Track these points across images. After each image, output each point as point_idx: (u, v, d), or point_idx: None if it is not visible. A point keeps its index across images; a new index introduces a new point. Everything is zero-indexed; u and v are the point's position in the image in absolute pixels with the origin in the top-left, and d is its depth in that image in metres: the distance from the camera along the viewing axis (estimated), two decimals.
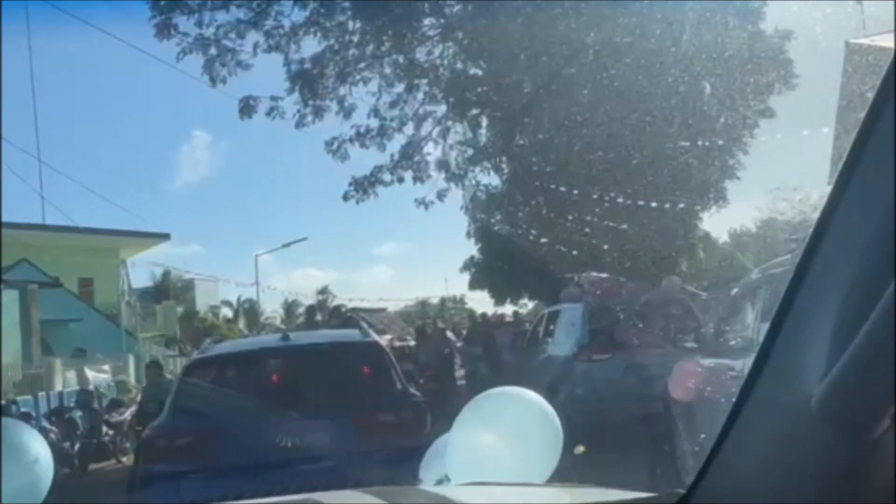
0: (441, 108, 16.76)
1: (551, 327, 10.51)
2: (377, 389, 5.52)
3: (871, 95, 0.93)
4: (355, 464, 4.56)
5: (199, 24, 14.76)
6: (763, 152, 16.87)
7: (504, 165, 17.84)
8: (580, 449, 4.62)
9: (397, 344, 16.15)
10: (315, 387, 5.50)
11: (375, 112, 16.35)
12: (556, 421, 2.23)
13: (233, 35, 15.01)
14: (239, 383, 5.55)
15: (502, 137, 16.86)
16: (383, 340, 14.15)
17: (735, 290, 5.67)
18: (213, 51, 14.88)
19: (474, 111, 16.83)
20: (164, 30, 14.51)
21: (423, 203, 17.21)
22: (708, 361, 5.57)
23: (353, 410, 5.17)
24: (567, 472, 2.37)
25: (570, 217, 14.09)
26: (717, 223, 26.33)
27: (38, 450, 2.10)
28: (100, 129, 48.53)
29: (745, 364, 4.63)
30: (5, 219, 21.93)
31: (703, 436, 5.00)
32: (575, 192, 13.97)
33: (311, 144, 16.72)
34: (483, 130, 17.29)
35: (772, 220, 28.17)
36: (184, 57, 14.84)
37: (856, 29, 12.83)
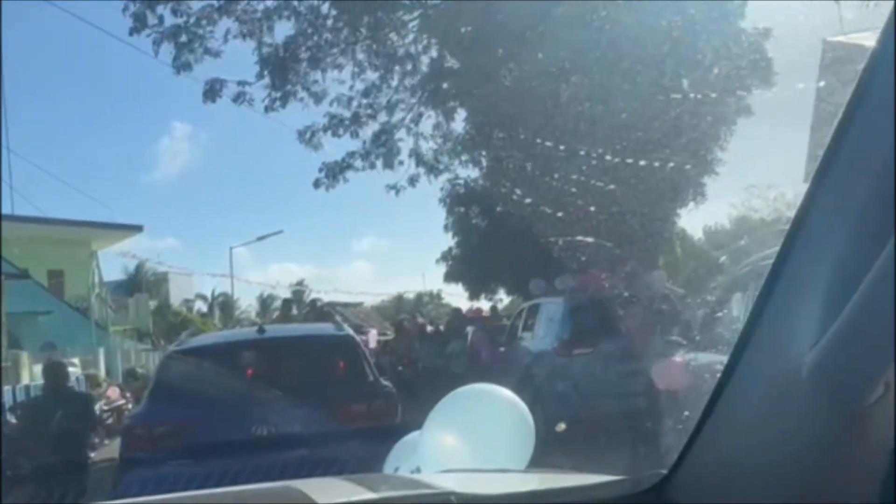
0: (418, 99, 16.60)
1: (530, 322, 10.41)
2: (350, 380, 5.70)
3: (847, 93, 0.92)
4: (328, 451, 4.63)
5: (174, 12, 14.45)
6: (739, 150, 16.94)
7: (483, 158, 17.74)
8: (561, 427, 4.65)
9: (381, 338, 16.48)
10: (290, 378, 5.65)
11: (349, 101, 16.21)
12: (528, 417, 2.23)
13: (204, 22, 14.69)
14: (215, 374, 5.62)
15: (480, 131, 16.76)
16: (371, 335, 14.89)
17: (722, 284, 5.56)
18: (183, 38, 14.55)
19: (451, 103, 16.70)
20: (140, 19, 14.17)
21: (394, 188, 17.12)
22: (694, 356, 5.47)
23: (326, 400, 5.33)
24: (547, 465, 2.39)
25: (552, 211, 14.00)
26: (692, 220, 26.45)
27: None
28: (73, 119, 47.70)
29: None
30: None
31: (686, 426, 4.92)
32: (553, 184, 13.89)
33: (290, 137, 16.39)
34: (461, 123, 17.17)
35: (746, 217, 28.40)
36: (159, 46, 14.52)
37: (833, 27, 12.87)
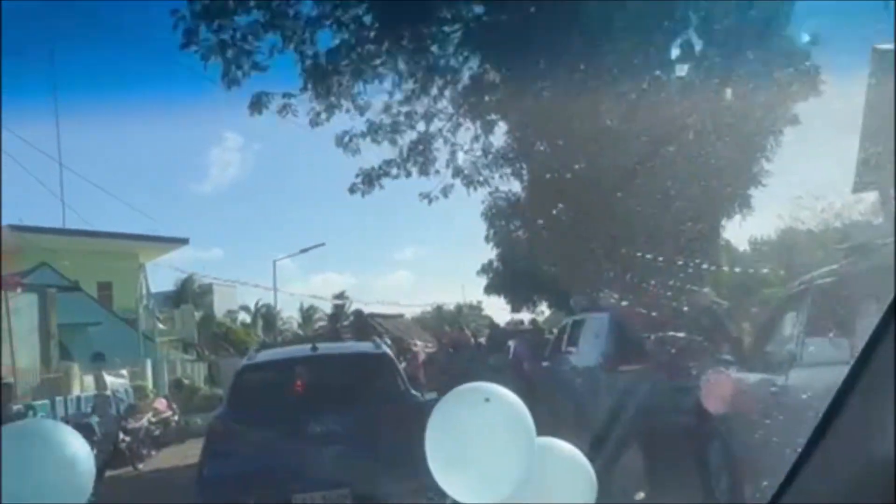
0: (459, 111, 16.62)
1: (575, 336, 10.30)
2: (384, 391, 6.95)
3: None
4: (364, 448, 6.05)
5: (220, 28, 14.70)
6: (786, 160, 16.60)
7: (524, 171, 17.68)
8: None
9: (429, 351, 17.64)
10: (336, 388, 7.01)
11: (388, 109, 16.29)
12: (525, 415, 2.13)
13: (251, 37, 14.92)
14: (278, 383, 7.10)
15: (521, 143, 16.71)
16: (419, 348, 17.35)
17: (775, 301, 5.43)
18: (230, 54, 14.79)
19: (493, 115, 16.69)
20: (190, 35, 14.45)
21: (427, 197, 17.07)
22: (745, 375, 5.34)
23: (364, 406, 6.65)
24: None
25: (593, 225, 13.88)
26: (737, 232, 25.93)
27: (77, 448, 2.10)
28: (121, 133, 48.74)
29: (786, 379, 4.42)
30: (26, 222, 22.14)
31: (744, 453, 4.80)
32: (597, 198, 13.77)
33: (333, 149, 16.55)
34: (502, 135, 17.14)
35: (792, 228, 27.76)
36: (207, 61, 14.79)
37: (883, 35, 12.59)
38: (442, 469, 2.09)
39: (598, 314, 9.67)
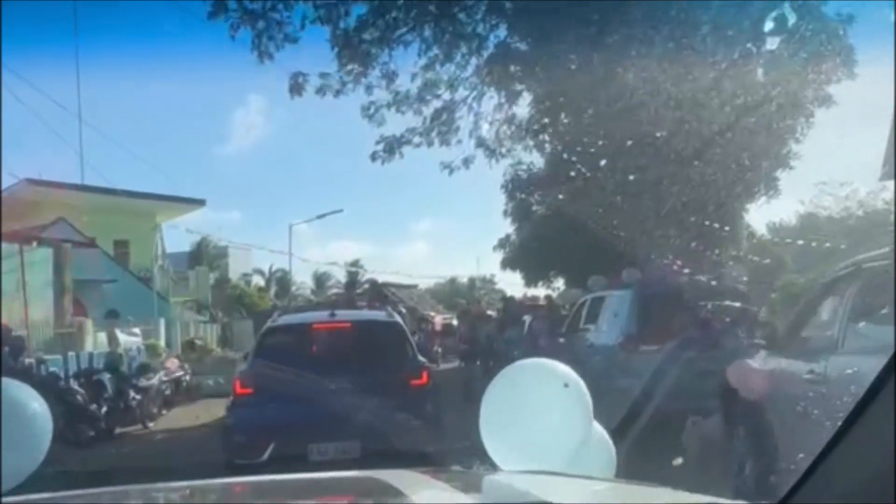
0: (484, 80, 16.31)
1: (593, 314, 10.08)
2: (395, 356, 7.53)
3: None
4: (374, 406, 6.52)
5: None
6: (811, 144, 16.13)
7: (547, 143, 17.37)
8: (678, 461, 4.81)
9: (444, 322, 19.33)
10: (351, 351, 7.69)
11: (413, 77, 15.99)
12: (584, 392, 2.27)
13: (281, 6, 14.69)
14: (298, 344, 7.77)
15: (545, 115, 16.40)
16: (437, 320, 20.05)
17: (820, 284, 5.17)
18: (260, 24, 14.59)
19: (518, 85, 16.36)
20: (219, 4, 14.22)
21: (448, 168, 16.87)
22: (778, 360, 5.11)
23: (376, 369, 7.26)
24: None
25: (617, 198, 13.60)
26: (757, 215, 25.47)
27: (35, 409, 2.22)
28: (144, 90, 48.54)
29: (826, 366, 4.19)
30: (44, 177, 22.12)
31: (775, 443, 4.60)
32: (622, 172, 13.47)
33: (357, 116, 16.35)
34: (527, 106, 16.82)
35: (814, 214, 27.28)
36: (237, 30, 14.63)
37: None
38: (497, 438, 2.15)
39: (619, 291, 9.43)
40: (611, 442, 2.38)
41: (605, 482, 2.04)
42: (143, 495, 2.02)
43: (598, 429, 2.33)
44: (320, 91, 15.40)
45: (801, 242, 18.69)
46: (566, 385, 2.16)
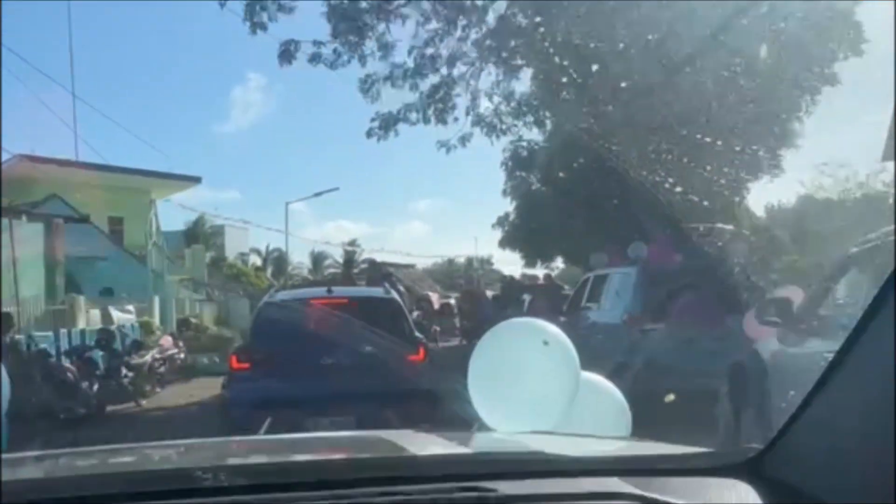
0: (483, 55, 16.01)
1: (596, 292, 9.89)
2: (392, 331, 7.47)
3: None
4: (369, 381, 6.72)
5: None
6: (812, 124, 15.90)
7: (547, 121, 17.11)
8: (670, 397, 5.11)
9: (442, 301, 19.32)
10: (349, 326, 7.52)
11: (410, 51, 15.77)
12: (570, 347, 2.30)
13: None
14: (296, 320, 7.55)
15: (546, 91, 16.12)
16: (434, 298, 19.83)
17: (840, 258, 4.95)
18: None
19: (518, 61, 16.06)
20: None
21: (445, 146, 16.62)
22: (793, 341, 4.92)
23: (374, 344, 7.16)
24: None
25: (619, 178, 13.36)
26: (754, 196, 25.24)
27: None
28: (139, 68, 48.10)
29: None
30: (38, 153, 21.79)
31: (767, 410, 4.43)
32: (622, 150, 13.22)
33: (354, 93, 16.11)
34: (526, 82, 16.54)
35: (811, 196, 27.04)
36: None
37: None
38: (483, 397, 2.17)
39: (622, 269, 9.23)
40: (626, 405, 2.44)
41: (605, 439, 2.05)
42: (139, 453, 2.01)
43: (606, 386, 2.41)
44: (313, 60, 15.11)
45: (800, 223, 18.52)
46: (545, 342, 2.17)
